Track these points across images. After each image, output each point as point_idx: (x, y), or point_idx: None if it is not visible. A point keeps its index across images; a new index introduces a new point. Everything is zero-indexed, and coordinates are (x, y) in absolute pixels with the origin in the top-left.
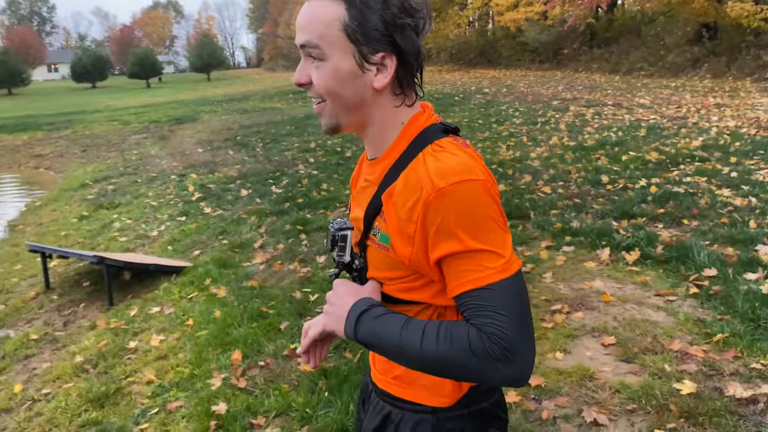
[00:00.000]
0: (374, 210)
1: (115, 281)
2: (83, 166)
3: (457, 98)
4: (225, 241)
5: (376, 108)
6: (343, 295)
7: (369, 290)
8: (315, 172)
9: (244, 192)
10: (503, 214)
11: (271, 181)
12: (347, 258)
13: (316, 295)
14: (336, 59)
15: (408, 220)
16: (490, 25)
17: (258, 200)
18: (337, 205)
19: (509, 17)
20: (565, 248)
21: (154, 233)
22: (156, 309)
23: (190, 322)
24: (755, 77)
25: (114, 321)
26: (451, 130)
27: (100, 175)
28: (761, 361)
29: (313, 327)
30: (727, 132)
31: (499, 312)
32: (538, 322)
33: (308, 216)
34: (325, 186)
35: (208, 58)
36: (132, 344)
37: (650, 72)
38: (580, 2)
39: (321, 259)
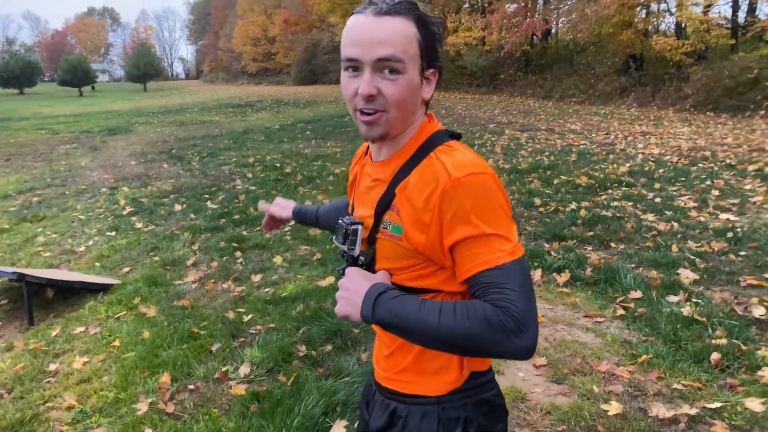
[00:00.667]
0: (385, 205)
1: (36, 299)
2: (6, 176)
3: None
4: (156, 258)
5: (415, 116)
6: (357, 280)
7: (381, 276)
8: (253, 187)
9: (178, 207)
10: (509, 204)
11: (206, 196)
12: (357, 251)
13: (249, 316)
14: (411, 73)
15: (424, 208)
16: None
17: (192, 216)
18: None
19: (449, 41)
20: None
21: (81, 248)
22: (80, 329)
23: (117, 343)
24: (677, 107)
25: (33, 342)
26: (456, 136)
27: (24, 186)
28: (682, 382)
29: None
30: (652, 159)
31: (511, 288)
32: None
33: (244, 233)
34: (262, 202)
35: (145, 68)
36: (52, 367)
37: (581, 99)
38: (516, 30)
39: (256, 278)
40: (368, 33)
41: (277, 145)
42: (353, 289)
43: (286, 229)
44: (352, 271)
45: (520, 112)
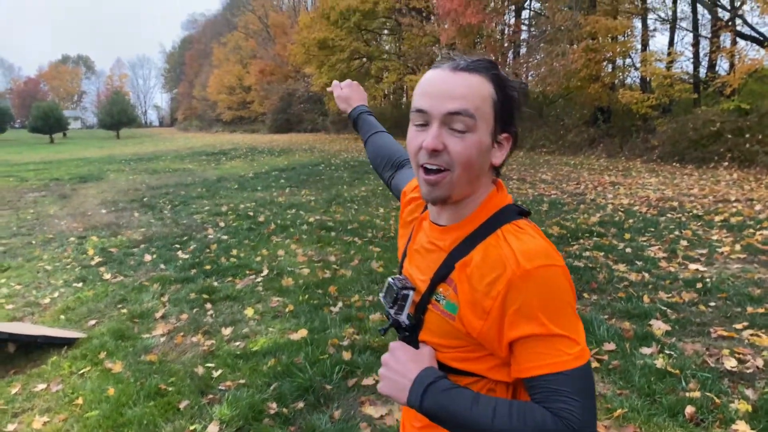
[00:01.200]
0: (441, 276)
1: None
2: None
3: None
4: (124, 311)
5: (481, 182)
6: (404, 361)
7: (428, 358)
8: (225, 237)
9: (148, 257)
10: (576, 300)
11: (177, 245)
12: (404, 317)
13: (219, 371)
14: (482, 133)
15: (485, 294)
16: (404, 99)
17: (162, 266)
18: (247, 272)
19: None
20: None
21: (46, 300)
22: (42, 386)
23: (80, 401)
24: (644, 158)
25: None
26: (525, 213)
27: None
28: None
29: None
30: (622, 209)
31: (574, 398)
32: None
33: (215, 284)
34: (234, 252)
35: (119, 116)
36: (10, 427)
37: (552, 149)
38: None
39: (227, 332)
40: (441, 86)
41: (251, 193)
42: (400, 372)
43: (258, 280)
44: (399, 349)
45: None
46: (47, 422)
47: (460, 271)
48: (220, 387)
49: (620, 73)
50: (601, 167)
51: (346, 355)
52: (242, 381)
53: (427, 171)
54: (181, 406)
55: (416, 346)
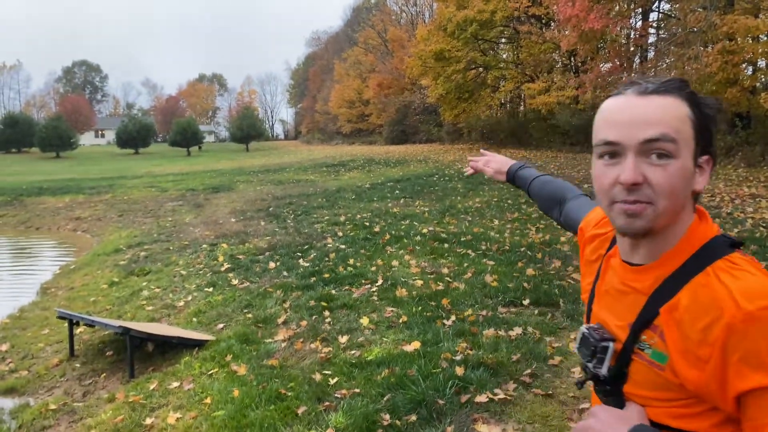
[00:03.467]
0: (644, 323)
1: (138, 352)
2: (119, 231)
3: (487, 177)
4: (249, 315)
5: (682, 213)
6: (610, 421)
7: (637, 416)
8: (343, 246)
9: (272, 264)
10: None
11: (299, 254)
12: (604, 371)
13: (335, 379)
14: (685, 158)
15: (701, 341)
16: (521, 107)
17: (285, 273)
18: (363, 281)
19: (541, 101)
20: None
21: (181, 303)
22: (176, 384)
23: (208, 400)
24: None
25: (133, 394)
26: (738, 244)
27: (134, 240)
28: None
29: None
30: (764, 224)
31: None
32: (565, 421)
33: (333, 292)
34: (351, 261)
35: (248, 129)
36: (148, 421)
37: None
38: (612, 88)
39: (343, 339)
40: (631, 113)
41: (367, 203)
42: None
43: (373, 289)
44: (602, 411)
45: None
46: (179, 418)
47: (667, 316)
48: (336, 394)
49: (763, 76)
50: (739, 178)
51: (459, 371)
52: (357, 390)
53: (626, 202)
54: (300, 411)
55: (621, 401)
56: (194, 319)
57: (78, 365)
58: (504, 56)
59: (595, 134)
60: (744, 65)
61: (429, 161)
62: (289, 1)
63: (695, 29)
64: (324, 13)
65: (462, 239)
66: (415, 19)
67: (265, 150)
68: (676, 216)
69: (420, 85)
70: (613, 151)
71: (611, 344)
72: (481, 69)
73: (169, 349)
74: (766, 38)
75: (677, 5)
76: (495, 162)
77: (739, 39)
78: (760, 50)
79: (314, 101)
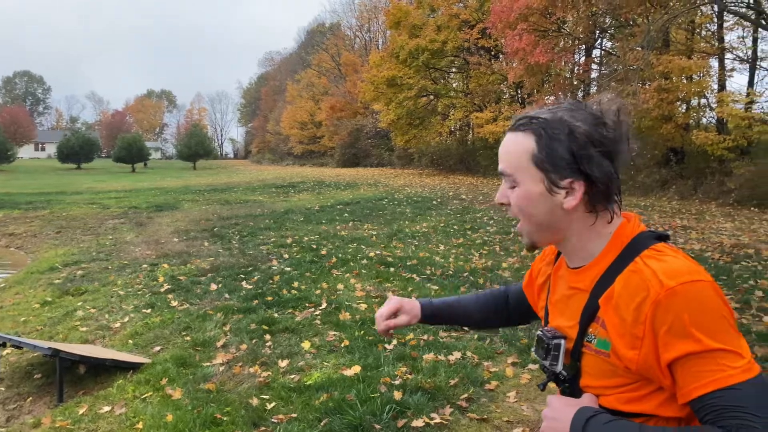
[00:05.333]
0: (590, 316)
1: (68, 375)
2: (55, 248)
3: (435, 202)
4: (188, 338)
5: (569, 225)
6: (560, 408)
7: (586, 401)
8: (288, 268)
9: (214, 286)
10: (734, 315)
11: (242, 276)
12: (559, 367)
13: (273, 403)
14: (527, 185)
15: (635, 321)
16: (470, 135)
17: (227, 296)
18: (306, 305)
19: (488, 130)
20: (531, 366)
21: (117, 325)
22: (107, 408)
23: (140, 425)
24: (719, 202)
25: (60, 419)
26: (663, 237)
27: (71, 258)
28: None
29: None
30: (693, 255)
31: (751, 413)
32: None
33: (275, 315)
34: (296, 284)
35: (196, 147)
36: None
37: (622, 190)
38: None
39: (283, 364)
40: (500, 149)
41: (316, 226)
42: (557, 418)
43: (317, 313)
44: (554, 400)
45: None
46: None
47: (606, 305)
48: (272, 419)
49: (695, 114)
50: (672, 210)
51: (398, 395)
52: (294, 415)
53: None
54: None
55: (579, 395)
56: (130, 341)
57: (2, 389)
58: (454, 85)
59: None
60: (678, 103)
61: (379, 185)
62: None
63: (634, 67)
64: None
65: (408, 263)
66: (369, 44)
67: (213, 169)
68: (555, 229)
69: (372, 110)
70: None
71: (563, 341)
72: (432, 97)
73: (103, 371)
74: (698, 78)
75: (618, 43)
76: (403, 310)
77: (674, 78)
78: (692, 89)
79: (266, 121)
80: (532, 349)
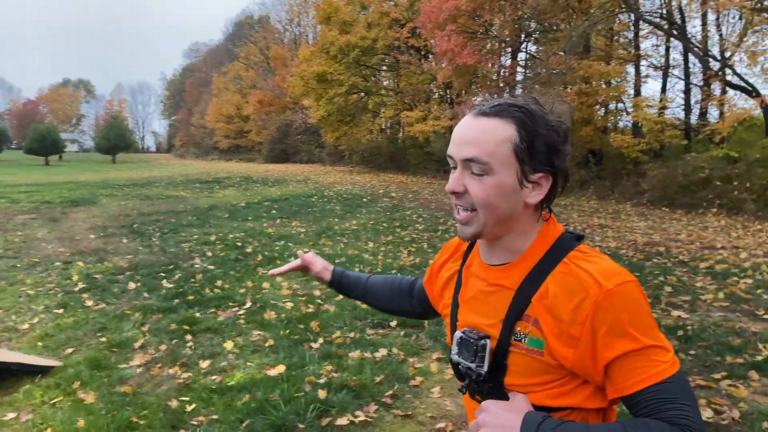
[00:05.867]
0: (517, 315)
1: None
2: None
3: (365, 200)
4: (103, 339)
5: (518, 221)
6: (502, 414)
7: (524, 404)
8: (211, 267)
9: (132, 285)
10: None
11: (163, 274)
12: (485, 368)
13: (193, 405)
14: (502, 175)
15: (572, 321)
16: (400, 134)
17: (146, 295)
18: (230, 304)
19: (418, 129)
20: None
21: (25, 326)
22: (12, 415)
23: (49, 431)
24: (634, 202)
25: None
26: (580, 237)
27: None
28: None
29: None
30: (608, 252)
31: (684, 403)
32: None
33: (197, 315)
34: (219, 283)
35: (116, 140)
36: None
37: None
38: None
39: (204, 365)
40: (462, 133)
41: (241, 223)
42: (500, 425)
43: (241, 312)
44: (491, 405)
45: None
46: None
47: (538, 305)
48: (192, 422)
49: (612, 117)
50: (591, 209)
51: (322, 394)
52: (215, 416)
53: (458, 211)
54: None
55: (502, 395)
56: (39, 344)
57: None
58: (385, 83)
59: None
60: (597, 106)
61: (309, 182)
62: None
63: (557, 71)
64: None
65: (336, 261)
66: (299, 39)
67: (134, 162)
68: (508, 224)
69: (302, 105)
70: (452, 164)
71: (488, 341)
72: (362, 94)
73: (9, 376)
74: (615, 83)
75: (542, 48)
76: (318, 264)
77: (593, 82)
78: (610, 94)
79: (190, 114)
80: (453, 353)
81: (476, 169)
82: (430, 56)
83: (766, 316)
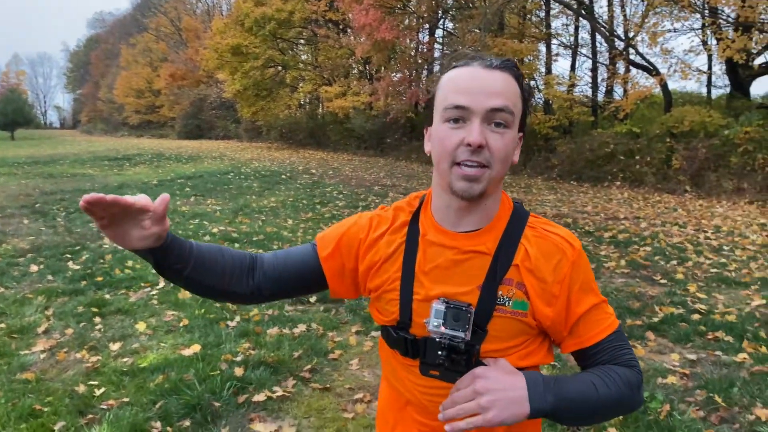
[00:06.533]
0: (499, 279)
1: None
2: None
3: (284, 176)
4: (2, 325)
5: (502, 182)
6: (503, 378)
7: (512, 366)
8: (121, 247)
9: (34, 267)
10: None
11: (68, 255)
12: (469, 336)
13: (102, 389)
14: (515, 130)
15: (553, 281)
16: (320, 109)
17: (50, 277)
18: (142, 284)
19: (337, 104)
20: (374, 333)
21: None
22: None
23: None
24: (545, 176)
25: None
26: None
27: None
28: None
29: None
30: None
31: (629, 347)
32: (340, 412)
33: (107, 296)
34: (130, 263)
35: (14, 115)
36: None
37: None
38: (401, 98)
39: (114, 347)
40: (481, 83)
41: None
42: (508, 388)
43: (153, 292)
44: (488, 371)
45: (404, 176)
46: None
47: (522, 267)
48: (101, 406)
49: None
50: (504, 184)
51: (239, 371)
52: (126, 399)
53: (467, 166)
54: (57, 428)
55: (477, 361)
56: None
57: None
58: (303, 57)
59: (443, 99)
60: None
61: (225, 158)
62: None
63: (472, 48)
64: None
65: (254, 239)
66: (212, 10)
67: (36, 139)
68: (500, 183)
69: (216, 79)
70: (460, 116)
71: (472, 308)
72: (279, 68)
73: None
74: (528, 61)
75: (458, 24)
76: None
77: None
78: (524, 72)
79: (97, 88)
80: (433, 326)
81: (500, 120)
82: (349, 30)
83: (662, 281)
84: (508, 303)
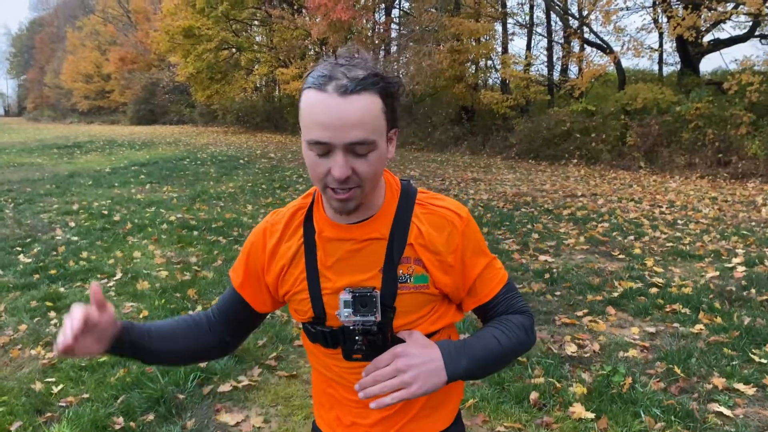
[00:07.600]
0: (397, 259)
1: None
2: None
3: (242, 161)
4: None
5: (381, 177)
6: (419, 352)
7: (424, 337)
8: (75, 238)
9: None
10: None
11: (19, 248)
12: (379, 317)
13: (60, 386)
14: (381, 145)
15: (447, 251)
16: (276, 92)
17: (0, 272)
18: (98, 276)
19: (294, 86)
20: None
21: None
22: None
23: None
24: (504, 156)
25: None
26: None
27: None
28: (505, 424)
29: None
30: (482, 204)
31: (520, 295)
32: (308, 399)
33: (61, 290)
34: (85, 254)
35: None
36: None
37: (420, 146)
38: None
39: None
40: (337, 116)
41: (107, 190)
42: (425, 360)
43: (110, 284)
44: (405, 347)
45: None
46: None
47: (416, 245)
48: (60, 403)
49: (482, 74)
50: (465, 164)
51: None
52: (86, 395)
53: (338, 191)
54: (13, 428)
55: (391, 339)
56: None
57: None
58: (257, 39)
59: (305, 129)
60: (468, 64)
61: (180, 144)
62: None
63: (428, 28)
64: None
65: (213, 226)
66: None
67: None
68: (379, 183)
69: (169, 63)
70: (323, 151)
71: (377, 293)
72: (234, 50)
73: None
74: (484, 41)
75: (414, 4)
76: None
77: (464, 40)
78: (480, 51)
79: (42, 73)
80: (345, 316)
81: (362, 150)
82: (304, 11)
83: (620, 256)
84: (410, 279)
